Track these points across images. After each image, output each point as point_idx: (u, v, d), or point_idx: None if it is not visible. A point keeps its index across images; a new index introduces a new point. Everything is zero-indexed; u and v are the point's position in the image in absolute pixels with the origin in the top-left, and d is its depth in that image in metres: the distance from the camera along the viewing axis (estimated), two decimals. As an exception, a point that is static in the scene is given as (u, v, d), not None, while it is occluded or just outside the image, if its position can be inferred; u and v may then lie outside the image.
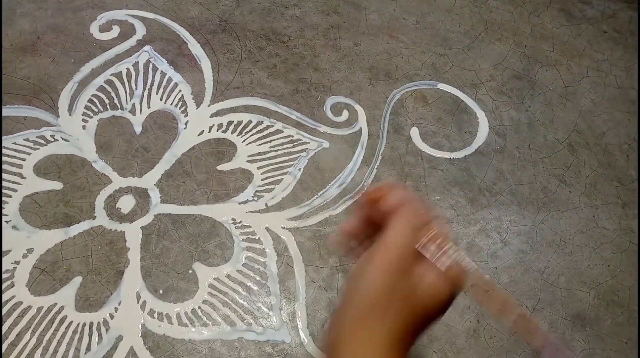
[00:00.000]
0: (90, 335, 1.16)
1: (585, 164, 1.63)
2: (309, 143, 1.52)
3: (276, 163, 1.47)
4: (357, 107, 1.61)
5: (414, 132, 1.59)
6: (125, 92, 1.52)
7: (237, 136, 1.50)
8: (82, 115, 1.45)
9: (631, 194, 1.59)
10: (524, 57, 1.85)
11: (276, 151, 1.49)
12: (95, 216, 1.30)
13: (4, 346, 1.12)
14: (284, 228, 1.36)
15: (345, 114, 1.59)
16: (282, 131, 1.53)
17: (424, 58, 1.77)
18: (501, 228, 1.46)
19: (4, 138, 1.38)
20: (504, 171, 1.57)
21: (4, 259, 1.22)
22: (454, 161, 1.56)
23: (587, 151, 1.66)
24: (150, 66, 1.58)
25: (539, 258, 1.43)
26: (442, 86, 1.71)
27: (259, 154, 1.48)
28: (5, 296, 1.18)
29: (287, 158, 1.49)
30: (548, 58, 1.87)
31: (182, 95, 1.54)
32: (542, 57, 1.87)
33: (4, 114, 1.41)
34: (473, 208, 1.48)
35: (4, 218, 1.27)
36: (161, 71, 1.58)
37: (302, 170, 1.47)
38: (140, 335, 1.17)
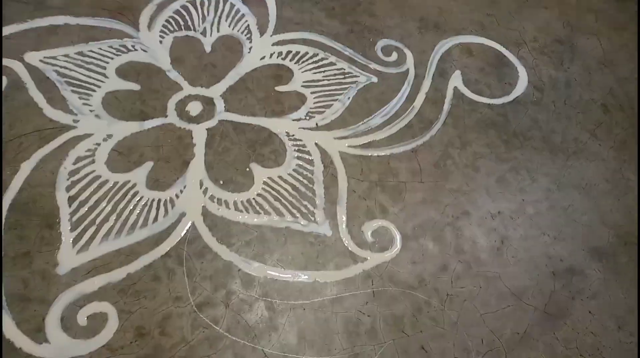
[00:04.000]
0: (157, 209, 1.32)
1: (617, 124, 1.72)
2: (359, 76, 1.66)
3: (328, 91, 1.61)
4: (406, 51, 1.74)
5: (458, 78, 1.71)
6: (198, 17, 1.68)
7: (295, 63, 1.64)
8: (160, 32, 1.62)
9: (659, 155, 1.67)
10: (567, 25, 1.94)
11: (329, 80, 1.63)
12: (167, 115, 1.47)
13: (84, 209, 1.29)
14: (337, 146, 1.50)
15: (394, 56, 1.72)
16: (335, 64, 1.67)
17: (472, 16, 1.88)
18: (531, 168, 1.57)
19: (91, 43, 1.55)
20: (539, 120, 1.67)
21: (85, 141, 1.39)
22: (492, 106, 1.67)
23: (620, 113, 1.74)
24: (221, -3, 1.74)
25: (564, 197, 1.53)
26: (487, 42, 1.82)
27: (313, 81, 1.62)
28: (85, 171, 1.35)
29: (338, 87, 1.62)
30: (590, 28, 1.95)
31: (248, 25, 1.70)
32: (585, 26, 1.95)
33: (92, 24, 1.58)
34: (506, 148, 1.59)
35: (88, 108, 1.44)
36: (230, 3, 1.73)
37: (350, 99, 1.61)
38: (201, 213, 1.32)
